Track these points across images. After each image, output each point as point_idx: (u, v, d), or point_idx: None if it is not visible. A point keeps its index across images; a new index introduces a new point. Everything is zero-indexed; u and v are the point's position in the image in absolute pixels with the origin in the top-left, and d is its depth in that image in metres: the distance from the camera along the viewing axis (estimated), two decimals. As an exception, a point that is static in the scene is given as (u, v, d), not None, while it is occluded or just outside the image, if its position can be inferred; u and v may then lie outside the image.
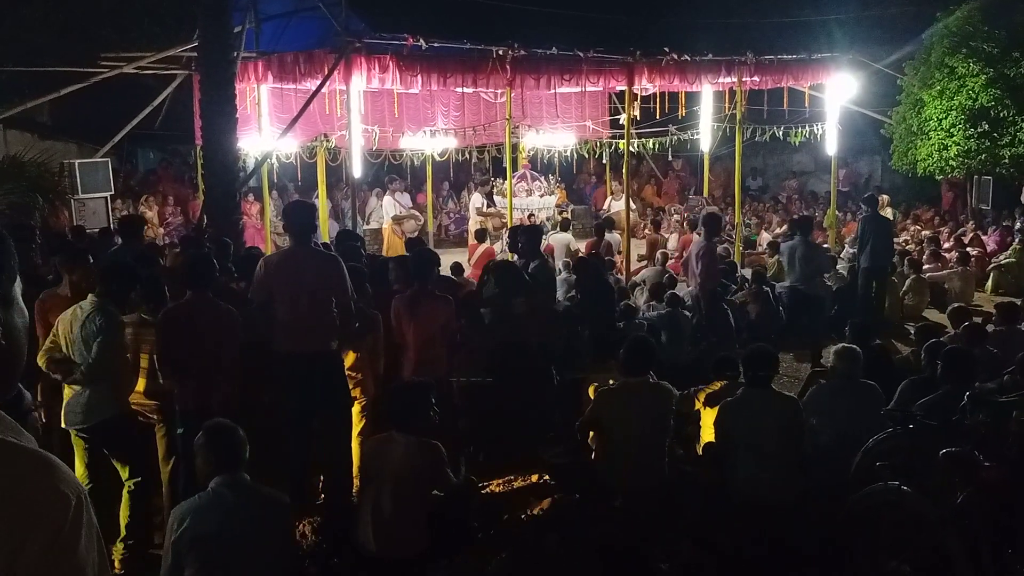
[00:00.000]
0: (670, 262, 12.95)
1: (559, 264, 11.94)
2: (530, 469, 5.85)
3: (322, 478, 5.65)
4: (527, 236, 7.54)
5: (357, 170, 11.40)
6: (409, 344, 5.82)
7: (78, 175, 11.75)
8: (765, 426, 4.84)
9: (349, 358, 5.74)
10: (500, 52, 11.51)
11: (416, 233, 14.13)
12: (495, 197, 16.07)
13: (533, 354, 6.45)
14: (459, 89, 12.75)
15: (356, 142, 11.16)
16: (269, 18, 12.48)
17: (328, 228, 12.75)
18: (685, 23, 14.84)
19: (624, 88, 13.20)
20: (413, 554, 4.30)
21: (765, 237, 15.57)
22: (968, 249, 13.06)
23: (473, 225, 14.96)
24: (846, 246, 13.90)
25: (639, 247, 14.69)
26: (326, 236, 11.78)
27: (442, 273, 7.76)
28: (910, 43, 15.23)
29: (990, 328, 7.41)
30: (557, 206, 16.78)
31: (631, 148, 13.94)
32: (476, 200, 16.13)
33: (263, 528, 3.62)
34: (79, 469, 4.98)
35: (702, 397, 5.82)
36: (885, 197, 15.65)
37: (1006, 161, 13.79)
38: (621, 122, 14.41)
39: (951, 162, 14.10)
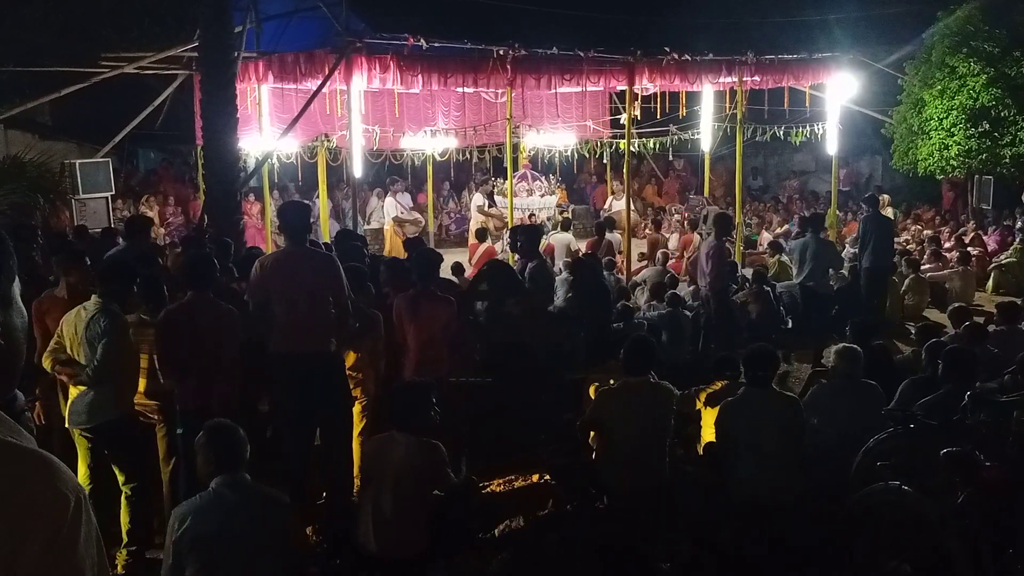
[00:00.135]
0: (671, 262, 12.95)
1: (560, 264, 11.94)
2: (530, 469, 5.85)
3: (322, 478, 5.65)
4: (526, 236, 7.55)
5: (358, 170, 11.41)
6: (410, 344, 5.82)
7: (79, 175, 11.76)
8: (765, 426, 4.84)
9: (350, 358, 5.74)
10: (501, 52, 11.51)
11: (417, 234, 14.13)
12: (496, 197, 16.07)
13: (529, 354, 6.45)
14: (460, 89, 12.72)
15: (357, 142, 11.16)
16: (270, 18, 12.48)
17: (329, 228, 12.74)
18: (686, 23, 14.81)
19: (625, 88, 13.19)
20: (413, 554, 4.31)
21: (766, 237, 15.56)
22: (969, 249, 13.05)
23: (475, 225, 14.97)
24: (847, 246, 13.89)
25: (640, 247, 14.68)
26: (327, 236, 11.77)
27: (442, 274, 7.76)
28: (911, 43, 15.23)
29: (991, 328, 7.41)
30: (558, 206, 16.77)
31: (632, 148, 13.93)
32: (478, 200, 16.14)
33: (264, 528, 3.63)
34: (81, 470, 4.99)
35: (703, 397, 5.82)
36: (886, 197, 15.64)
37: (1007, 161, 13.77)
38: (622, 122, 14.40)
39: (952, 162, 14.09)
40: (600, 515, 5.02)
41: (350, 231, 10.62)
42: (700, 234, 14.63)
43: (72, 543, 1.27)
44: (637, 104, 14.15)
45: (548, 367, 6.61)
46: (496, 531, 5.20)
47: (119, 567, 4.90)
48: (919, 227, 16.01)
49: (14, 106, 12.33)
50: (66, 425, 5.03)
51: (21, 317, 1.49)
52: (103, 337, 4.77)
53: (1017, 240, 13.35)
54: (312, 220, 12.89)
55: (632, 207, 14.16)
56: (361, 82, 10.87)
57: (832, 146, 15.43)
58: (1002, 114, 13.52)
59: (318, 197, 13.51)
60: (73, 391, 5.00)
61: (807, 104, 15.50)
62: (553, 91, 13.01)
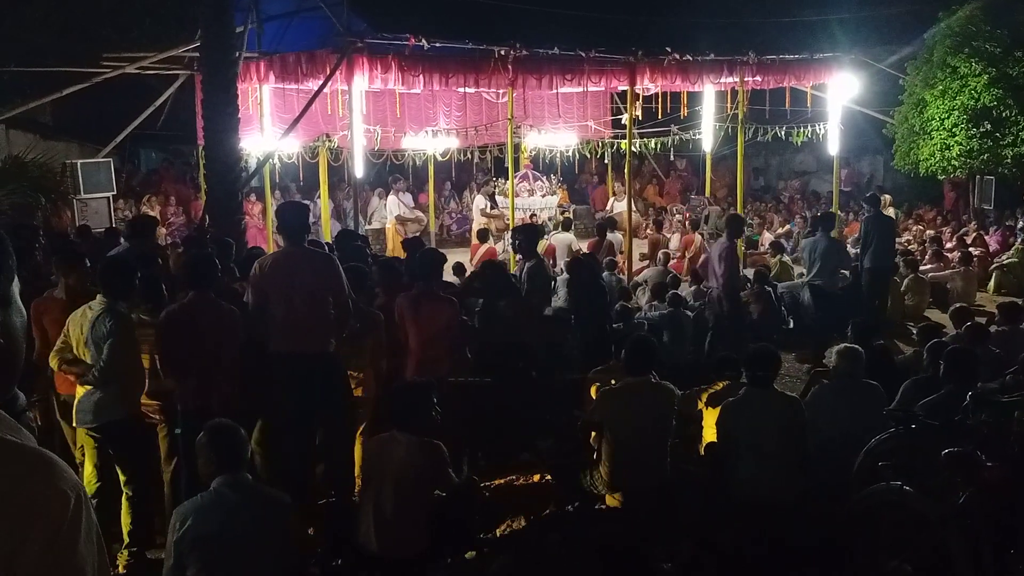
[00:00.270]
0: (672, 262, 12.95)
1: (561, 264, 11.93)
2: (530, 469, 5.85)
3: (323, 478, 5.65)
4: (524, 236, 7.55)
5: (359, 170, 11.42)
6: (411, 344, 5.82)
7: (80, 175, 11.77)
8: (766, 426, 4.83)
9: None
10: (502, 52, 11.51)
11: (418, 234, 14.13)
12: (497, 197, 16.06)
13: (524, 354, 6.44)
14: (461, 89, 12.73)
15: (358, 142, 11.16)
16: (271, 18, 12.49)
17: (330, 228, 12.75)
18: (687, 23, 14.83)
19: (626, 88, 13.19)
20: (414, 554, 4.31)
21: (767, 237, 15.56)
22: (970, 249, 13.05)
23: (476, 226, 14.97)
24: (848, 246, 13.87)
25: (641, 247, 14.68)
26: (328, 236, 11.78)
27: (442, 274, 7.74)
28: (912, 43, 15.20)
29: (992, 328, 7.41)
30: (559, 206, 16.76)
31: (633, 148, 13.92)
32: (480, 201, 16.14)
33: (265, 528, 3.63)
34: (88, 468, 5.00)
35: (704, 397, 5.82)
36: (887, 197, 15.62)
37: (1008, 161, 13.76)
38: (623, 122, 14.38)
39: (953, 162, 14.08)
40: (600, 515, 5.02)
41: (351, 231, 10.63)
42: (702, 234, 14.64)
43: (72, 541, 1.27)
44: (638, 104, 14.16)
45: (544, 367, 6.60)
46: (497, 531, 5.21)
47: (120, 567, 4.91)
48: (921, 227, 16.01)
49: (15, 106, 12.34)
50: (73, 424, 5.04)
51: (21, 316, 1.49)
52: (108, 337, 4.77)
53: (1019, 240, 13.36)
54: (313, 220, 13.00)
55: (633, 207, 14.16)
56: (362, 82, 10.88)
57: (833, 146, 15.42)
58: (1004, 114, 13.51)
59: (319, 197, 13.52)
60: (80, 391, 5.01)
61: (808, 104, 15.50)
62: (554, 91, 13.01)
